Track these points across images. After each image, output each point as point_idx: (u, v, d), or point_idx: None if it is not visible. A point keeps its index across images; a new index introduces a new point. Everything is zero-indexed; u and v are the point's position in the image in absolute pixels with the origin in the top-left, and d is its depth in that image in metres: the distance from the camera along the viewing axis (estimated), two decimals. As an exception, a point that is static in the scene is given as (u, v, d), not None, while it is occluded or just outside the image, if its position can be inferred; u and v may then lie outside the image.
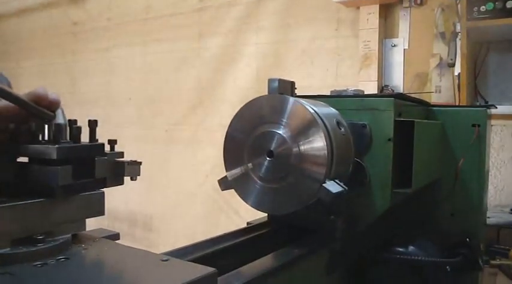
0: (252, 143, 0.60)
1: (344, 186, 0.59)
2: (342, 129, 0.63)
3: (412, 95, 0.89)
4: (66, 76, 3.10)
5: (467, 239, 0.84)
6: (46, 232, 0.43)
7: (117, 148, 0.52)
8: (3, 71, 0.80)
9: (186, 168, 2.51)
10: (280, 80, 0.61)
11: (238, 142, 0.62)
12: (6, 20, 3.47)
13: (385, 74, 1.98)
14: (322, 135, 0.57)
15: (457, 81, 1.76)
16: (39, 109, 0.46)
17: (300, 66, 2.14)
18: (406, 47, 1.95)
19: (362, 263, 0.76)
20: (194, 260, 0.52)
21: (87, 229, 0.50)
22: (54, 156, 0.42)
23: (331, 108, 0.67)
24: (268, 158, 0.58)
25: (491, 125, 1.14)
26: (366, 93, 0.81)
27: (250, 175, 0.61)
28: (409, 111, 0.76)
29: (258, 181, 0.60)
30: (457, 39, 1.80)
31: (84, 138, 0.48)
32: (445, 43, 1.86)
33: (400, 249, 0.80)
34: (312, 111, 0.58)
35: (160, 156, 2.55)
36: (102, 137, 0.49)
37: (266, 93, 0.62)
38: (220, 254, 0.62)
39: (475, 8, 1.59)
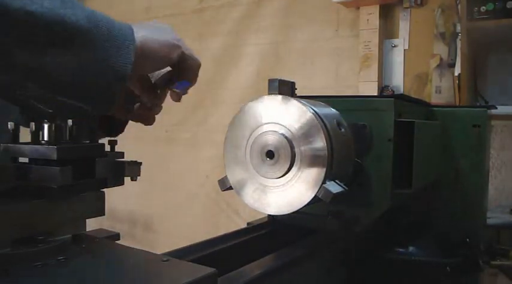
0: (252, 143, 0.60)
1: (344, 186, 0.59)
2: (342, 130, 0.63)
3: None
4: (66, 77, 3.09)
5: (467, 239, 0.84)
6: (46, 232, 0.43)
7: (118, 149, 0.52)
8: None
9: (186, 169, 2.51)
10: (280, 81, 0.61)
11: (238, 142, 0.62)
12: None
13: (385, 75, 1.98)
14: (322, 135, 0.57)
15: (457, 81, 1.76)
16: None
17: (300, 67, 2.15)
18: (406, 48, 1.95)
19: (362, 264, 0.76)
20: (194, 261, 0.52)
21: (88, 229, 0.50)
22: (55, 157, 0.42)
23: (332, 109, 0.67)
24: (268, 158, 0.58)
25: (492, 125, 1.14)
26: (366, 93, 0.81)
27: (251, 175, 0.61)
28: (409, 111, 0.76)
29: (258, 182, 0.60)
30: (457, 40, 1.80)
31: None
32: (445, 43, 1.86)
33: (401, 249, 0.80)
34: (312, 111, 0.58)
35: (160, 157, 2.55)
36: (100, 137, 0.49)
37: (266, 93, 0.62)
38: (220, 254, 0.62)
39: (475, 8, 1.59)
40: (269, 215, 0.74)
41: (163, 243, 2.49)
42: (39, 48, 0.41)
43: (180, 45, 0.55)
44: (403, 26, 1.94)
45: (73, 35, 0.42)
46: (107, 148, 0.51)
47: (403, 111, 0.72)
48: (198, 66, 0.60)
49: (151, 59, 0.52)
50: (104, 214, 0.48)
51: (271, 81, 0.61)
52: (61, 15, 0.41)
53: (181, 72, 0.59)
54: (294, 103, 0.59)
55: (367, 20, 1.94)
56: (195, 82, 0.61)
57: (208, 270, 0.40)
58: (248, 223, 0.77)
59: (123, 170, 0.50)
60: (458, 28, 1.77)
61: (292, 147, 0.57)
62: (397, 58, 1.96)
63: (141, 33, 0.50)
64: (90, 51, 0.43)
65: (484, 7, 1.57)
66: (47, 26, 0.40)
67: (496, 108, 1.06)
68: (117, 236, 0.56)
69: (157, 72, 0.59)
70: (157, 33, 0.53)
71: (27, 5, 0.39)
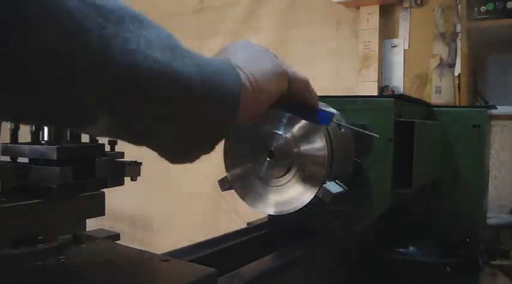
0: (252, 143, 0.60)
1: (344, 186, 0.59)
2: (342, 130, 0.63)
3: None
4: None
5: (467, 239, 0.84)
6: (46, 232, 0.43)
7: (118, 149, 0.52)
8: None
9: (186, 169, 2.50)
10: (280, 80, 0.61)
11: (238, 142, 0.62)
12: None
13: (385, 75, 1.98)
14: (323, 135, 0.57)
15: (457, 81, 1.76)
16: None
17: (300, 67, 2.13)
18: (406, 48, 1.95)
19: (362, 264, 0.76)
20: (194, 261, 0.52)
21: (88, 229, 0.50)
22: (55, 157, 0.42)
23: (331, 109, 0.67)
24: (268, 158, 0.58)
25: (492, 125, 1.14)
26: (366, 93, 0.81)
27: (251, 175, 0.61)
28: (409, 111, 0.76)
29: (258, 182, 0.60)
30: (457, 40, 1.80)
31: (85, 138, 0.48)
32: (445, 43, 1.86)
33: (401, 249, 0.80)
34: (312, 111, 0.58)
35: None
36: (102, 138, 0.49)
37: (266, 93, 0.61)
38: (220, 254, 0.62)
39: (475, 9, 1.59)
40: (269, 215, 0.74)
41: (163, 243, 2.49)
42: (142, 105, 0.34)
43: (285, 70, 0.50)
44: (403, 26, 1.94)
45: (183, 90, 0.36)
46: (107, 148, 0.51)
47: (403, 111, 0.72)
48: (306, 85, 0.54)
49: (260, 100, 0.45)
50: (104, 214, 0.48)
51: (271, 81, 0.61)
52: (173, 70, 0.34)
53: (291, 96, 0.52)
54: (294, 103, 0.58)
55: (367, 20, 1.94)
56: (316, 103, 0.55)
57: (208, 270, 0.40)
58: (248, 223, 0.77)
59: (123, 170, 0.50)
60: (458, 28, 1.77)
61: (292, 147, 0.57)
62: (397, 58, 1.96)
63: (248, 72, 0.43)
64: (196, 103, 0.37)
65: (484, 7, 1.58)
66: (156, 82, 0.34)
67: (496, 108, 1.06)
68: (117, 236, 0.56)
69: None
70: (260, 64, 0.46)
71: (138, 62, 0.32)
